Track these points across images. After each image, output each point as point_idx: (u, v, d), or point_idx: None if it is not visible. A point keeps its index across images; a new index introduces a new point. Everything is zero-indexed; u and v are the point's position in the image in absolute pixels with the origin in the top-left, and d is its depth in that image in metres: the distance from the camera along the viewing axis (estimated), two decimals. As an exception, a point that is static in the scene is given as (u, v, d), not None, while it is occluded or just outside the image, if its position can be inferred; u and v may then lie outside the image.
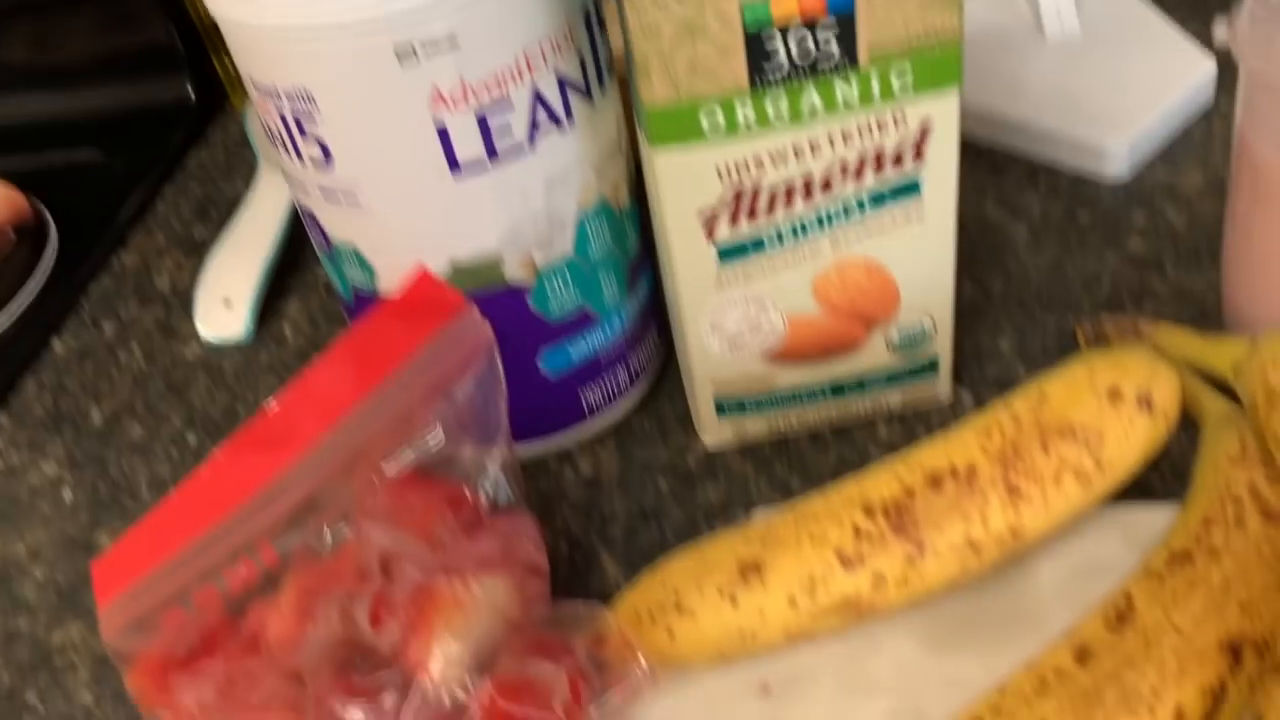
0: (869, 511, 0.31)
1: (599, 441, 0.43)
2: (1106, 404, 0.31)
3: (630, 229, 0.40)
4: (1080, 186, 0.49)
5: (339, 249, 0.37)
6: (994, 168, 0.51)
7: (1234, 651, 0.27)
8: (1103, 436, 0.31)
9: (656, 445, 0.42)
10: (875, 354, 0.39)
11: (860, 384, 0.40)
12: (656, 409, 0.44)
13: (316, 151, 0.34)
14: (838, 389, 0.40)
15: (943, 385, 0.41)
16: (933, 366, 0.40)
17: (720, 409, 0.40)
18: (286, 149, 0.35)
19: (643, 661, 0.31)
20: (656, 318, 0.43)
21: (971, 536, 0.30)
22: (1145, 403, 0.31)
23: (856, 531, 0.31)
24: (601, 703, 0.31)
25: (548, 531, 0.40)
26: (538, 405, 0.40)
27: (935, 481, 0.31)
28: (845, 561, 0.31)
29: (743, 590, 0.31)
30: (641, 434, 0.43)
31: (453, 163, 0.34)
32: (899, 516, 0.31)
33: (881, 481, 0.32)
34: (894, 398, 0.41)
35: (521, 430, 0.40)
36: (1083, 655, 0.28)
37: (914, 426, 0.41)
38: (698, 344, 0.38)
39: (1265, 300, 0.35)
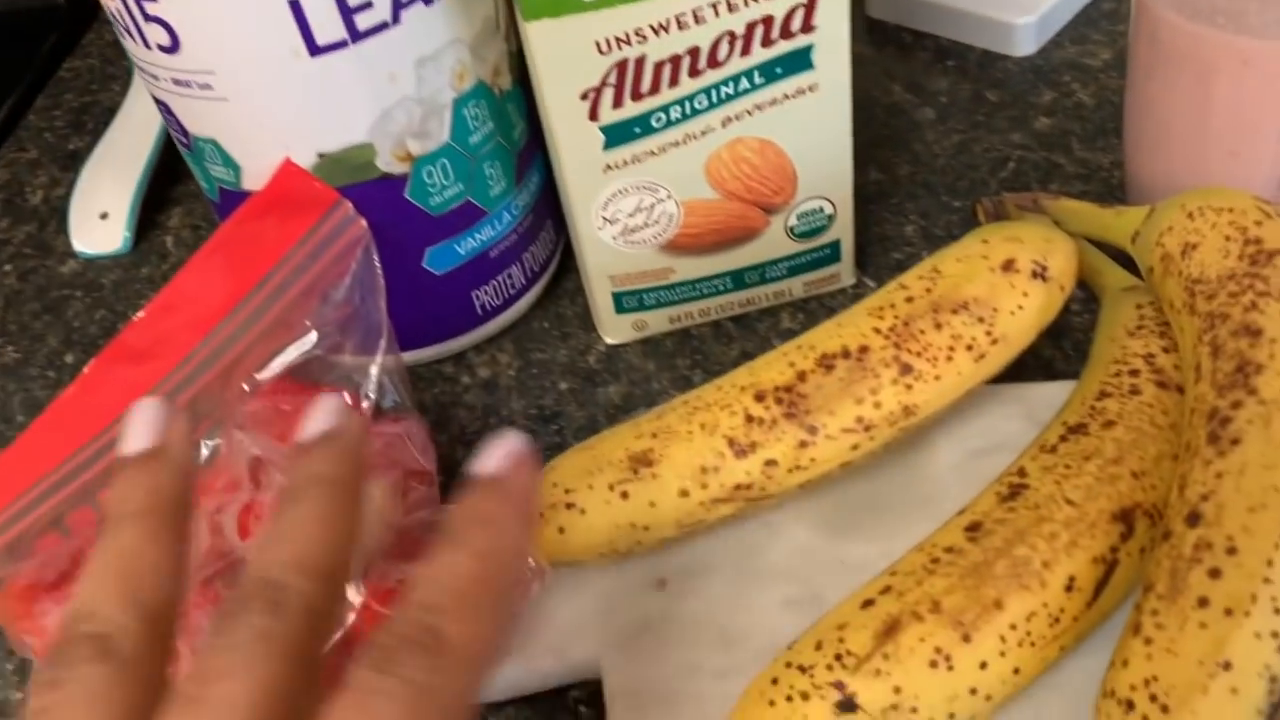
0: (760, 397, 0.30)
1: (496, 344, 0.41)
2: (1000, 276, 0.30)
3: (516, 115, 0.38)
4: (988, 66, 0.47)
5: (199, 144, 0.35)
6: (901, 50, 0.49)
7: (1126, 521, 0.27)
8: (996, 309, 0.30)
9: (556, 345, 0.41)
10: (776, 241, 0.38)
11: (761, 273, 0.39)
12: (555, 308, 0.42)
13: (162, 35, 0.32)
14: (739, 279, 0.39)
15: (845, 272, 0.40)
16: (834, 253, 0.39)
17: (619, 304, 0.39)
18: (130, 34, 0.32)
19: (533, 561, 0.30)
20: (552, 212, 0.41)
21: (864, 417, 0.29)
22: (1040, 273, 0.30)
23: (748, 418, 0.30)
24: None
25: (444, 437, 0.39)
26: (428, 308, 0.39)
27: (827, 364, 0.30)
28: (737, 449, 0.30)
29: (633, 484, 0.30)
30: (540, 334, 0.41)
31: (310, 42, 0.31)
32: (791, 401, 0.30)
33: (774, 367, 0.31)
34: (797, 286, 0.39)
35: (414, 335, 0.39)
36: (974, 531, 0.27)
37: (817, 315, 0.40)
38: (590, 235, 0.37)
39: (1164, 167, 0.34)
